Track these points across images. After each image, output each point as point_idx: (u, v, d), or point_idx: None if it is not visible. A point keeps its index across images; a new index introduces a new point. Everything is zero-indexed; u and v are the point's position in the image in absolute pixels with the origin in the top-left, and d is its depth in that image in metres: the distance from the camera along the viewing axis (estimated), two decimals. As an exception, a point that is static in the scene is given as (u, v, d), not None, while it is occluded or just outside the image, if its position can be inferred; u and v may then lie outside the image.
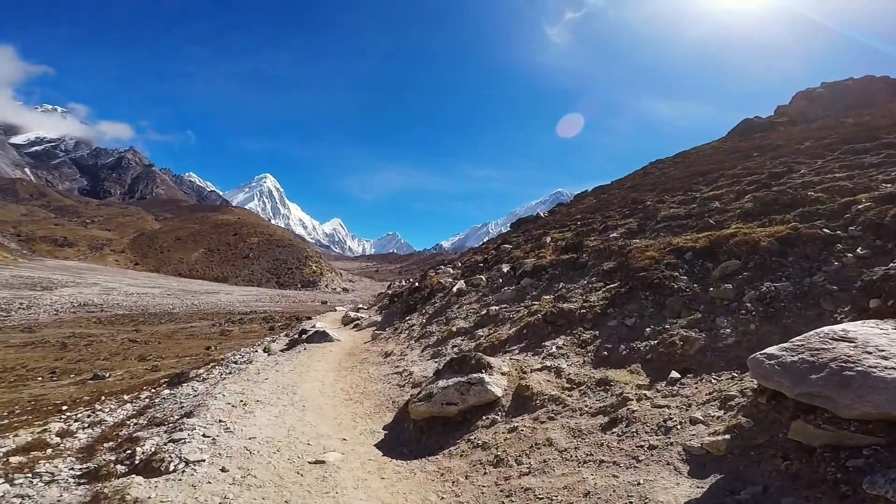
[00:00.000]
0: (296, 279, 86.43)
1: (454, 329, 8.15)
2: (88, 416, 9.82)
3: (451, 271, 14.56)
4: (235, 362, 11.95)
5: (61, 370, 17.65)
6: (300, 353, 10.07)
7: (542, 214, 17.42)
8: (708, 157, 18.47)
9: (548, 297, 7.67)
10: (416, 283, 15.64)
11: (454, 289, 10.32)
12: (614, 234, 9.61)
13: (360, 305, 23.86)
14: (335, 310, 27.46)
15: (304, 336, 12.46)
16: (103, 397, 12.80)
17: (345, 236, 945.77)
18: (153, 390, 11.91)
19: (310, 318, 22.88)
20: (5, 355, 19.38)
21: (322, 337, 11.67)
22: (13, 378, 16.51)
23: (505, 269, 9.88)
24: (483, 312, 8.33)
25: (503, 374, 5.48)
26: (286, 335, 16.13)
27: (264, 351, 12.94)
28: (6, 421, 11.68)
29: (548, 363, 5.58)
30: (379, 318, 14.65)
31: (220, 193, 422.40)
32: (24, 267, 59.72)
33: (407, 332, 10.44)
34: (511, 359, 6.09)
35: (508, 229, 26.07)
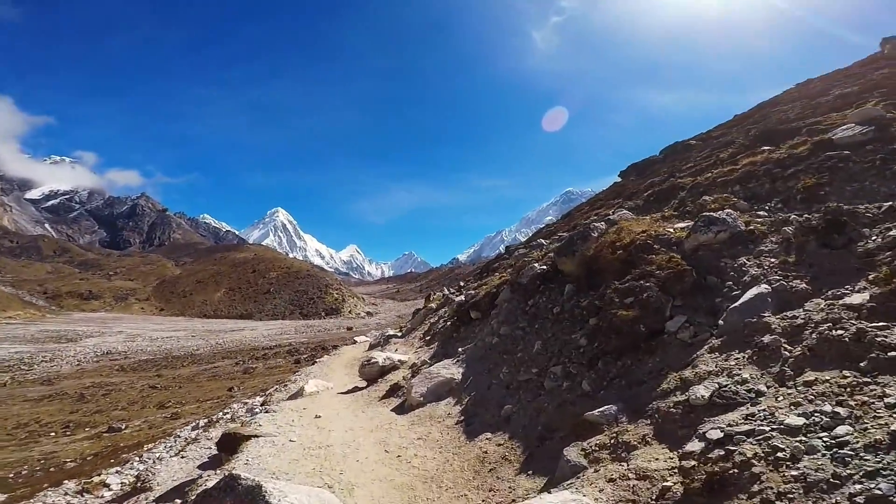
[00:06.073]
0: (319, 308, 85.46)
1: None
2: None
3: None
4: None
5: (76, 423, 16.26)
6: None
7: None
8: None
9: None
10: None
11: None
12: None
13: (391, 332, 16.51)
14: (355, 342, 19.29)
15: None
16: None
17: (362, 261, 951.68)
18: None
19: (315, 363, 15.71)
20: (20, 410, 18.15)
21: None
22: (24, 435, 15.17)
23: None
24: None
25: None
26: (216, 435, 7.77)
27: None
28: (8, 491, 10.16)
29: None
30: (456, 373, 7.18)
31: (237, 233, 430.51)
32: (51, 321, 59.97)
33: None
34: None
35: (549, 224, 24.07)
